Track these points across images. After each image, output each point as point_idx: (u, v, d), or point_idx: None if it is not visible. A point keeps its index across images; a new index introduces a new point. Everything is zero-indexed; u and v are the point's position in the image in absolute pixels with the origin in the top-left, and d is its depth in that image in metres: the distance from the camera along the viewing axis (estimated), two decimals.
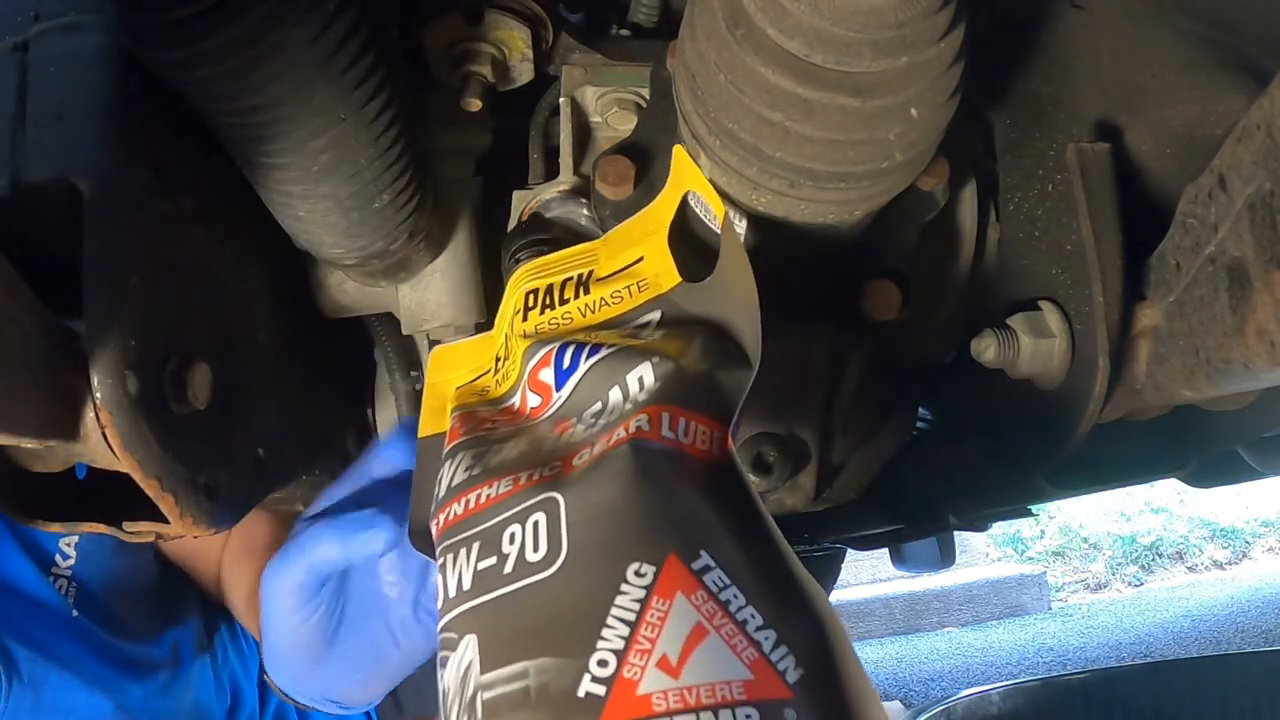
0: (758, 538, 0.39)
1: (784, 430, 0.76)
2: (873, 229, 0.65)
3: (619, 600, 0.35)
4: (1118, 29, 0.70)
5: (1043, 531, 4.86)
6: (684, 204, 0.57)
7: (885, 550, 2.29)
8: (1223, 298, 0.54)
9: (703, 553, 0.37)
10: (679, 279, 0.54)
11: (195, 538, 1.03)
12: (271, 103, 0.55)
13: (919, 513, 1.05)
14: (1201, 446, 0.80)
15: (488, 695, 0.36)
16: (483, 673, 0.37)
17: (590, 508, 0.40)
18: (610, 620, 0.35)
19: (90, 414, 0.51)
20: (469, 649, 0.39)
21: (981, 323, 0.74)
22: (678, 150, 0.57)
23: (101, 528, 0.60)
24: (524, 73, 0.75)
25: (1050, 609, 4.14)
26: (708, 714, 0.32)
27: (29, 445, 0.53)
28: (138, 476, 0.54)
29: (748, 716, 0.32)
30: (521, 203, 0.75)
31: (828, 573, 2.62)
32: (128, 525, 0.60)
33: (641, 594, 0.35)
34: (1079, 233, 0.66)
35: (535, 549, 0.40)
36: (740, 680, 0.33)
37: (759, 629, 0.35)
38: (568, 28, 0.74)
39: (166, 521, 0.58)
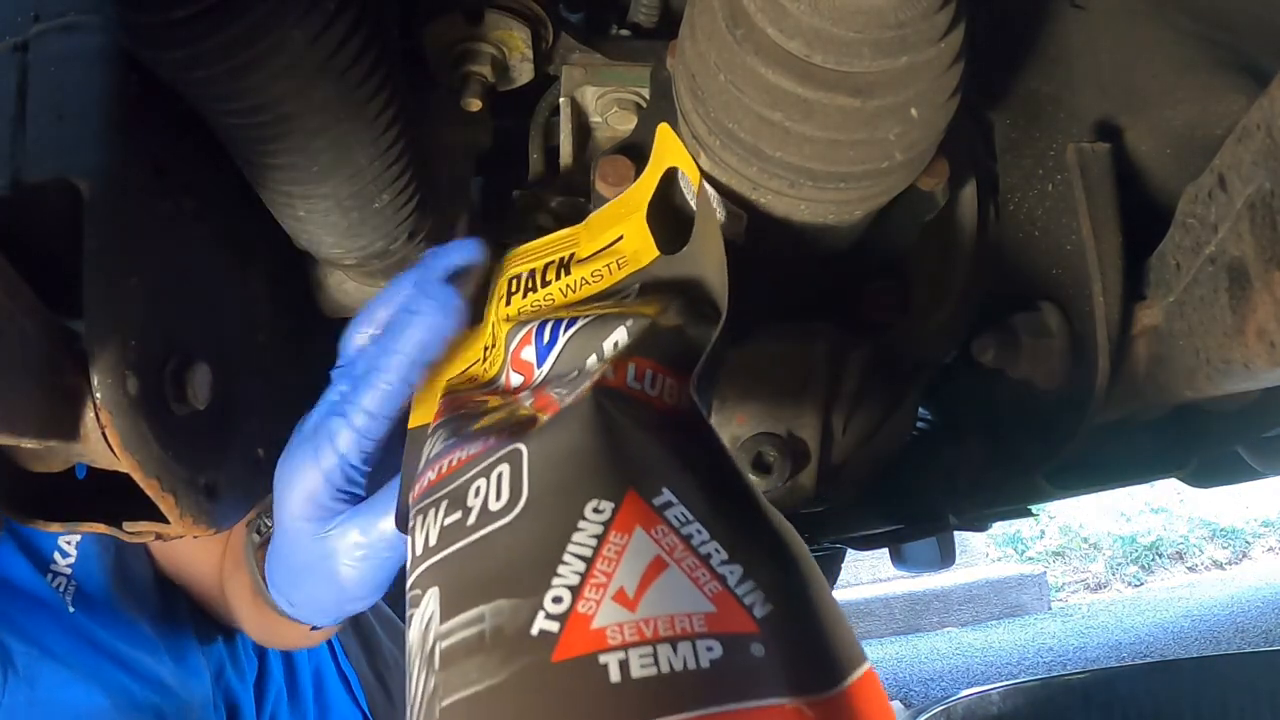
0: (726, 483, 0.38)
1: (784, 430, 0.76)
2: (873, 229, 0.65)
3: (576, 537, 0.34)
4: (1118, 29, 0.70)
5: (1043, 531, 4.86)
6: (667, 180, 0.57)
7: (885, 550, 2.29)
8: (1223, 298, 0.54)
9: (665, 489, 0.36)
10: (657, 253, 0.54)
11: (193, 540, 1.03)
12: (271, 103, 0.55)
13: (919, 513, 1.05)
14: (1201, 446, 0.80)
15: (445, 644, 0.35)
16: (442, 622, 0.36)
17: (552, 453, 0.39)
18: (566, 557, 0.33)
19: (90, 414, 0.51)
20: (431, 602, 0.38)
21: (981, 323, 0.74)
22: (661, 127, 0.57)
23: (101, 528, 0.60)
24: (524, 73, 0.75)
25: (1050, 609, 4.14)
26: (665, 646, 0.30)
27: (29, 445, 0.53)
28: (138, 476, 0.54)
29: (709, 649, 0.31)
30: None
31: (828, 573, 2.62)
32: (128, 525, 0.60)
33: (599, 529, 0.34)
34: (1079, 233, 0.66)
35: (497, 498, 0.39)
36: (702, 613, 0.32)
37: (724, 563, 0.34)
38: (568, 28, 0.74)
39: (166, 521, 0.58)
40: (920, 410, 0.95)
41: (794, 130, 0.51)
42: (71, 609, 0.95)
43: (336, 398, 0.59)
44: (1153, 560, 4.56)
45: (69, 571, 0.96)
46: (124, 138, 0.55)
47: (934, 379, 0.87)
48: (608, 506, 0.35)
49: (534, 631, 0.32)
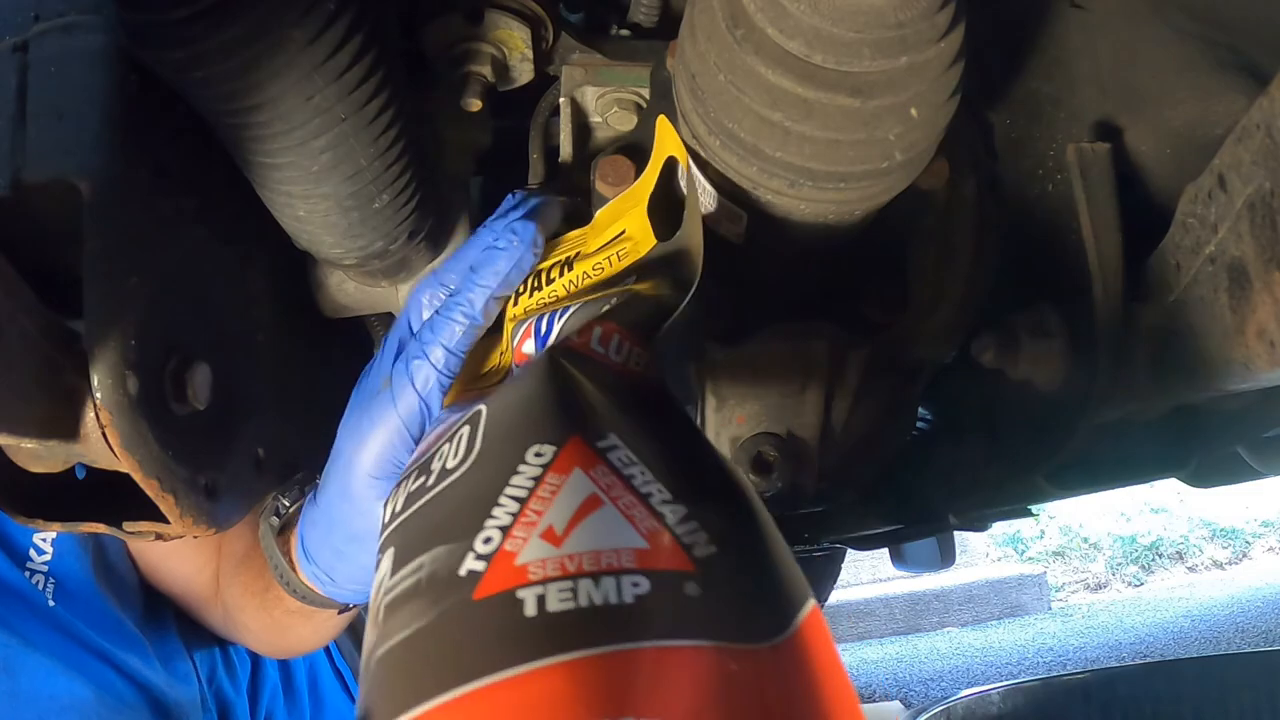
0: (681, 436, 0.36)
1: (784, 430, 0.76)
2: (873, 229, 0.65)
3: (514, 480, 0.33)
4: (1118, 29, 0.70)
5: (1043, 531, 4.86)
6: (668, 171, 0.57)
7: (885, 550, 2.29)
8: (1223, 298, 0.54)
9: (611, 435, 0.35)
10: (655, 241, 0.54)
11: (178, 553, 1.02)
12: (271, 102, 0.55)
13: (919, 513, 1.05)
14: (1201, 446, 0.80)
15: (388, 598, 0.34)
16: (390, 578, 0.36)
17: (504, 406, 0.38)
18: (502, 499, 0.33)
19: (90, 414, 0.51)
20: (385, 563, 0.37)
21: (981, 323, 0.74)
22: (660, 119, 0.57)
23: (101, 528, 0.60)
24: (524, 73, 0.75)
25: (1050, 609, 4.14)
26: (587, 580, 0.29)
27: (29, 445, 0.53)
28: (138, 476, 0.54)
29: (635, 584, 0.30)
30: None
31: (828, 573, 2.62)
32: (128, 525, 0.60)
33: (538, 472, 0.33)
34: (1079, 233, 0.66)
35: (455, 456, 0.39)
36: (632, 549, 0.31)
37: (665, 502, 0.33)
38: (568, 28, 0.74)
39: (166, 521, 0.58)
40: (920, 410, 0.95)
41: (794, 130, 0.51)
42: (52, 603, 0.94)
43: (401, 348, 0.60)
44: (1153, 560, 4.56)
45: (45, 568, 0.96)
46: (124, 138, 0.55)
47: (934, 379, 0.87)
48: (549, 450, 0.34)
49: (462, 572, 0.31)
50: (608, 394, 0.38)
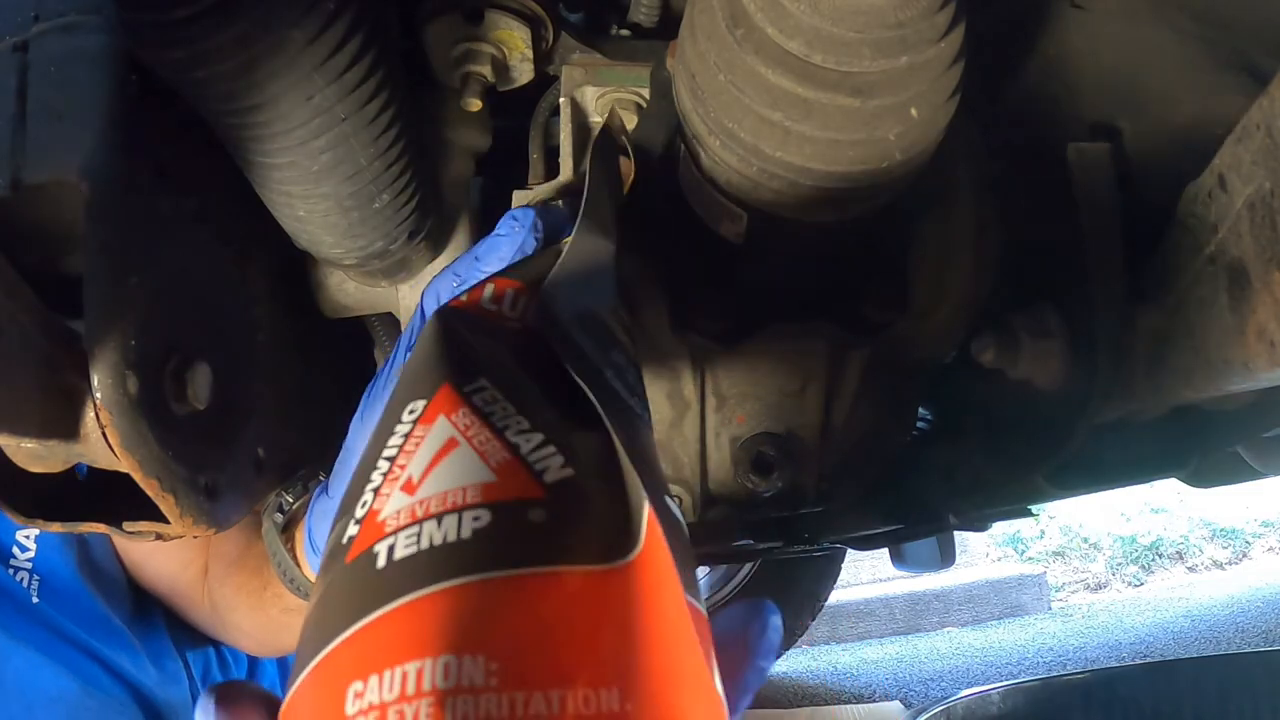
0: (555, 373, 0.36)
1: (784, 430, 0.76)
2: (873, 229, 0.65)
3: (390, 441, 0.33)
4: (1118, 29, 0.70)
5: (1043, 531, 4.86)
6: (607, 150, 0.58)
7: (885, 550, 2.29)
8: (1223, 298, 0.54)
9: (481, 379, 0.35)
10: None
11: (165, 555, 1.02)
12: (271, 102, 0.55)
13: (919, 513, 1.05)
14: (1201, 446, 0.80)
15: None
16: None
17: (399, 379, 0.38)
18: (379, 463, 0.33)
19: (90, 414, 0.51)
20: None
21: (981, 323, 0.73)
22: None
23: (101, 528, 0.60)
24: (524, 73, 0.75)
25: (1050, 609, 4.14)
26: (431, 523, 0.29)
27: (29, 445, 0.53)
28: (138, 476, 0.54)
29: (475, 519, 0.29)
30: (519, 202, 0.75)
31: (828, 573, 2.62)
32: (128, 525, 0.60)
33: (409, 428, 0.33)
34: (1079, 233, 0.66)
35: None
36: (479, 483, 0.30)
37: (521, 432, 0.32)
38: (568, 28, 0.74)
39: (166, 521, 0.58)
40: (920, 410, 0.95)
41: (794, 130, 0.51)
42: (36, 600, 0.94)
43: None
44: (1153, 560, 4.56)
45: (30, 565, 0.96)
46: (124, 138, 0.55)
47: (934, 379, 0.87)
48: (420, 404, 0.34)
49: (344, 540, 0.32)
50: (484, 340, 0.37)
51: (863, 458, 0.87)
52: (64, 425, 0.51)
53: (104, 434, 0.52)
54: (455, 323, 0.38)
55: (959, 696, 1.99)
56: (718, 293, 0.70)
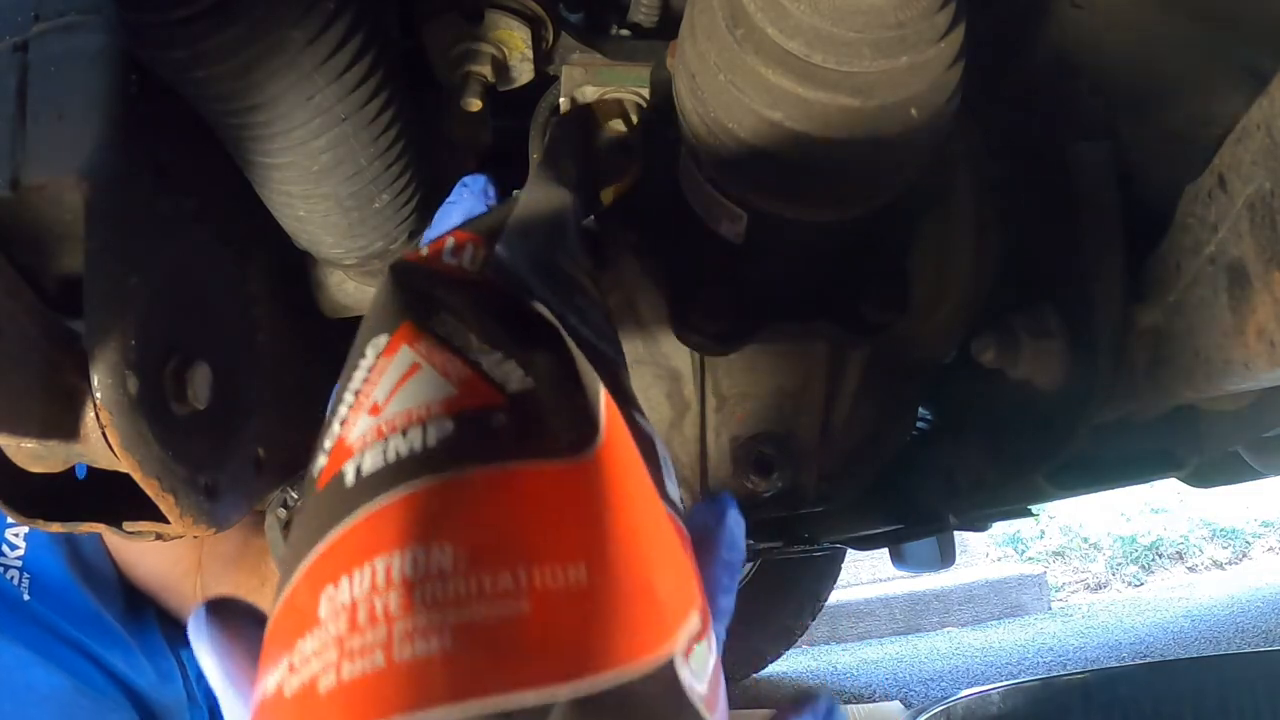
0: (511, 304, 0.37)
1: (784, 430, 0.76)
2: (873, 229, 0.65)
3: (354, 376, 0.34)
4: (1118, 29, 0.70)
5: (1043, 532, 4.86)
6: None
7: (885, 550, 2.29)
8: (1223, 298, 0.54)
9: (444, 313, 0.35)
10: None
11: (159, 555, 1.01)
12: (271, 102, 0.55)
13: (919, 513, 1.05)
14: (1201, 446, 0.80)
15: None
16: None
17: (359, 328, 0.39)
18: (345, 397, 0.33)
19: (90, 414, 0.51)
20: None
21: (981, 323, 0.74)
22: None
23: (101, 528, 0.60)
24: (524, 73, 0.75)
25: (1050, 609, 4.14)
26: (396, 437, 0.30)
27: (29, 445, 0.53)
28: (137, 476, 0.54)
29: (439, 428, 0.30)
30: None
31: (828, 573, 2.62)
32: (128, 525, 0.60)
33: (371, 362, 0.34)
34: (1079, 233, 0.66)
35: None
36: (441, 398, 0.31)
37: (481, 351, 0.33)
38: (568, 28, 0.74)
39: (166, 521, 0.58)
40: (920, 410, 0.95)
41: (794, 130, 0.51)
42: (27, 597, 0.94)
43: None
44: (1153, 560, 4.56)
45: (19, 564, 0.95)
46: (124, 138, 0.55)
47: (934, 379, 0.87)
48: (382, 339, 0.34)
49: (315, 474, 0.32)
50: (442, 288, 0.38)
51: (863, 458, 0.87)
52: (64, 425, 0.51)
53: (104, 434, 0.52)
54: (412, 273, 0.38)
55: (959, 696, 1.99)
56: (718, 293, 0.70)
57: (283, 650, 0.27)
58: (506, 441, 0.30)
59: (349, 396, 0.33)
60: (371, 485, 0.29)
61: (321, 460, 0.32)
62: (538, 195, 0.46)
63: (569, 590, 0.26)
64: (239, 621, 0.33)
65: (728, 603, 0.37)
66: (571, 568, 0.27)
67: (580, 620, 0.26)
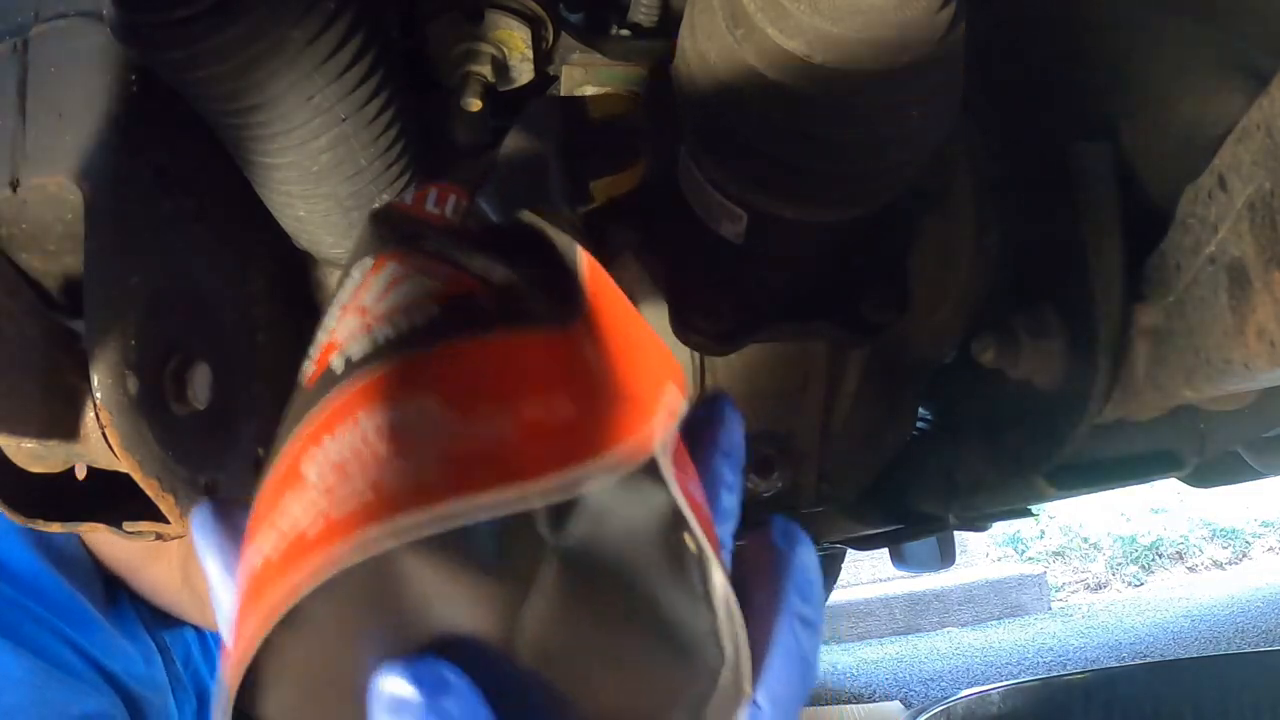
0: (493, 241, 0.38)
1: (784, 430, 0.76)
2: (872, 229, 0.65)
3: (341, 295, 0.35)
4: (1118, 29, 0.70)
5: (1043, 532, 4.86)
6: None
7: (885, 550, 2.29)
8: (1223, 298, 0.54)
9: (429, 234, 0.37)
10: None
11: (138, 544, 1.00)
12: (271, 102, 0.55)
13: (919, 513, 1.05)
14: (1201, 446, 0.80)
15: None
16: None
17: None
18: (333, 310, 0.34)
19: (90, 414, 0.51)
20: None
21: (981, 323, 0.74)
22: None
23: (101, 528, 0.60)
24: (524, 73, 0.75)
25: (1050, 609, 4.14)
26: (383, 325, 0.31)
27: (29, 445, 0.53)
28: (137, 476, 0.54)
29: (426, 312, 0.31)
30: None
31: (828, 573, 2.62)
32: (128, 525, 0.60)
33: (357, 281, 0.35)
34: (1079, 233, 0.66)
35: None
36: (427, 291, 0.32)
37: (468, 255, 0.34)
38: (568, 28, 0.74)
39: (166, 521, 0.58)
40: (920, 410, 0.95)
41: (794, 130, 0.51)
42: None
43: None
44: (1153, 560, 4.56)
45: None
46: (124, 138, 0.55)
47: (934, 379, 0.87)
48: (369, 260, 0.35)
49: (302, 379, 0.33)
50: (423, 227, 0.39)
51: (862, 458, 0.87)
52: (64, 425, 0.51)
53: (104, 434, 0.52)
54: (394, 216, 0.39)
55: (959, 696, 1.99)
56: (718, 293, 0.70)
57: (270, 521, 0.28)
58: (490, 319, 0.31)
59: (335, 310, 0.34)
60: (359, 367, 0.30)
61: (309, 367, 0.33)
62: (518, 144, 0.47)
63: (554, 419, 0.27)
64: (241, 521, 0.33)
65: (731, 502, 0.34)
66: (559, 400, 0.28)
67: (567, 440, 0.27)
